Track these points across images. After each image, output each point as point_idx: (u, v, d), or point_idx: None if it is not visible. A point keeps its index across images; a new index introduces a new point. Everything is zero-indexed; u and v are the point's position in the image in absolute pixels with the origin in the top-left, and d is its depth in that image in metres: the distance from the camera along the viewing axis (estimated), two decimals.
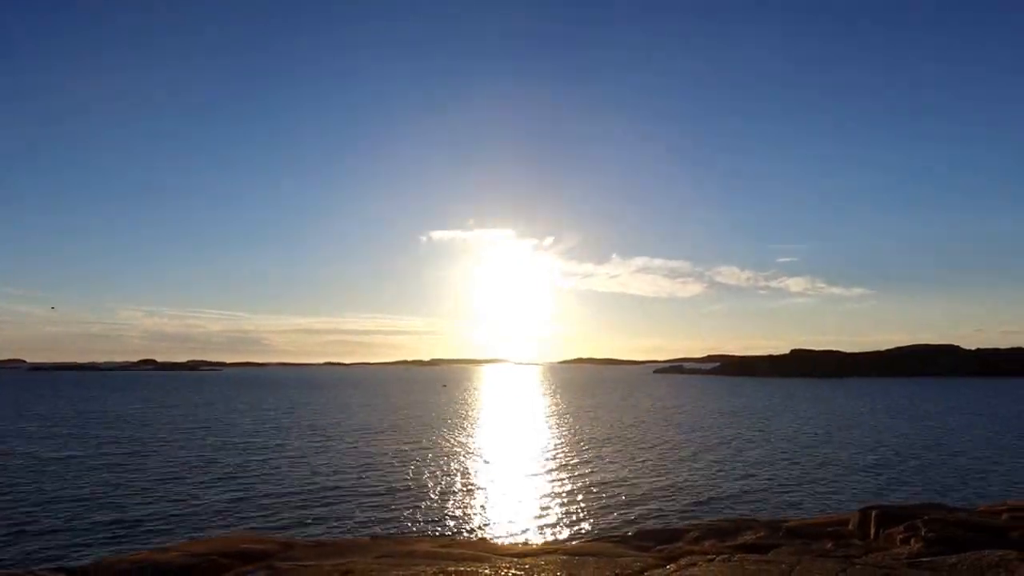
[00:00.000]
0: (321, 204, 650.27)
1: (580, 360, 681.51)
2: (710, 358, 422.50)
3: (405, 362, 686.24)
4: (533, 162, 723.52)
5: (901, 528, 16.24)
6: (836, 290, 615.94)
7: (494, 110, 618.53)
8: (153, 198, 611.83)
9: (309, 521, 32.63)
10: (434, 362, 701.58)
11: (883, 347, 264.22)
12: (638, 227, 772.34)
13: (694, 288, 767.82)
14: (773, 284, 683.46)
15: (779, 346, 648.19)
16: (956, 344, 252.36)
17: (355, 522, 32.42)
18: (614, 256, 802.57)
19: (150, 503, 36.17)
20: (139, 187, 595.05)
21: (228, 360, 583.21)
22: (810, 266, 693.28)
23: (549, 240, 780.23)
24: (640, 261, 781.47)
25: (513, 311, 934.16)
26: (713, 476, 44.56)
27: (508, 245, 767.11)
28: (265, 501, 36.88)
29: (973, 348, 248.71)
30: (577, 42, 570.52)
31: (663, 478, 43.85)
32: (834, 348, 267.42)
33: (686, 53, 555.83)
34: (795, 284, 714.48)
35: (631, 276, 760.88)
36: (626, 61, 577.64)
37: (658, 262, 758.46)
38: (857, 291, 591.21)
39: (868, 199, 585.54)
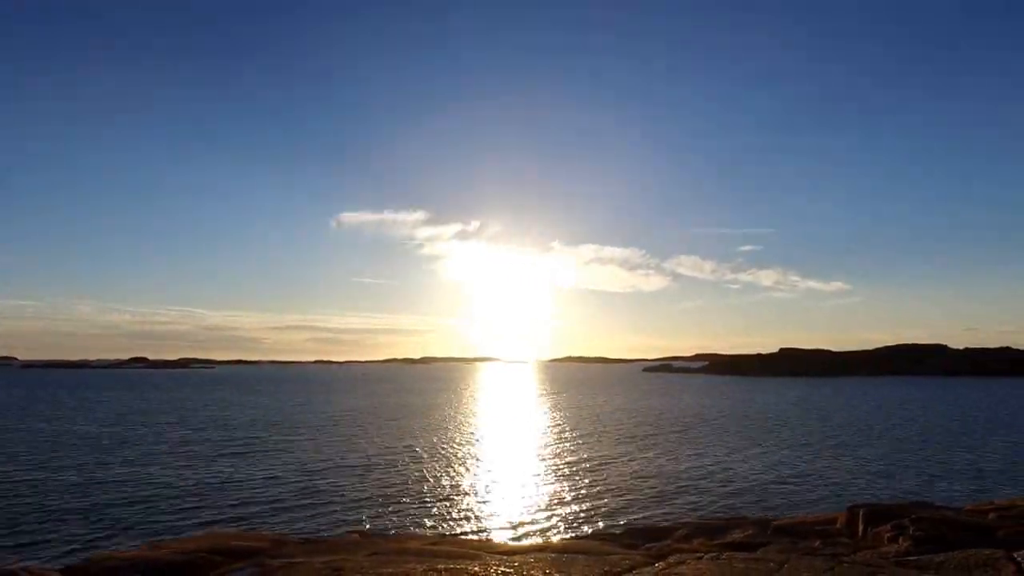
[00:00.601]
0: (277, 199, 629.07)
1: (570, 358, 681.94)
2: (699, 357, 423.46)
3: (395, 360, 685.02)
4: (442, 140, 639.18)
5: (889, 527, 16.39)
6: (813, 284, 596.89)
7: (389, 80, 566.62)
8: (146, 196, 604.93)
9: (300, 518, 32.64)
10: (424, 360, 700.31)
11: (869, 346, 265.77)
12: (576, 211, 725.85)
13: (657, 281, 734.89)
14: (743, 277, 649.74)
15: (756, 344, 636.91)
16: (945, 344, 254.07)
17: (346, 519, 32.42)
18: (556, 244, 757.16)
19: (141, 500, 36.12)
20: (134, 185, 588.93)
21: (219, 358, 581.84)
22: (779, 256, 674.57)
23: (475, 224, 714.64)
24: (588, 250, 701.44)
25: (502, 309, 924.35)
26: (701, 475, 44.69)
27: (424, 230, 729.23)
28: (255, 498, 36.85)
29: (962, 347, 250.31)
30: (503, 20, 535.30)
31: (652, 476, 43.97)
32: (818, 345, 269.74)
33: (628, 26, 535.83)
34: (766, 277, 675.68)
35: (586, 267, 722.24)
36: (559, 40, 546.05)
37: (609, 251, 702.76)
38: (836, 285, 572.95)
39: (831, 183, 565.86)
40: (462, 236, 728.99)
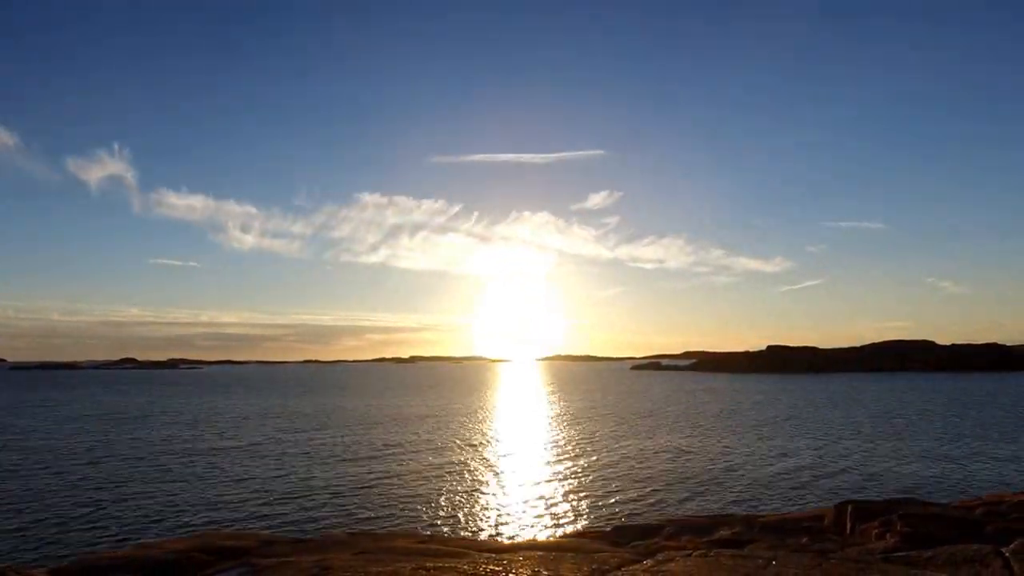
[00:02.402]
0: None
1: (559, 357, 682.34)
2: (687, 355, 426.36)
3: (383, 359, 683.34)
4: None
5: (876, 523, 16.41)
6: (748, 262, 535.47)
7: None
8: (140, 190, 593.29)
9: (289, 518, 32.54)
10: (413, 359, 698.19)
11: (852, 341, 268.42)
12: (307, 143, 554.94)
13: (537, 259, 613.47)
14: (645, 252, 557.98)
15: (733, 337, 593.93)
16: (932, 340, 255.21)
17: (334, 518, 32.37)
18: (302, 199, 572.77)
19: (129, 500, 35.94)
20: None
21: (207, 359, 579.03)
22: (639, 214, 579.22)
23: (117, 147, 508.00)
24: (374, 203, 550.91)
25: (489, 308, 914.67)
26: (688, 472, 44.81)
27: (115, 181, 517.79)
28: (244, 498, 36.75)
29: (948, 343, 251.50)
30: None
31: (639, 474, 44.07)
32: (800, 341, 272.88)
33: None
34: (680, 252, 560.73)
35: (414, 245, 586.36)
36: None
37: (406, 204, 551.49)
38: (777, 260, 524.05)
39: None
40: (145, 184, 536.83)
